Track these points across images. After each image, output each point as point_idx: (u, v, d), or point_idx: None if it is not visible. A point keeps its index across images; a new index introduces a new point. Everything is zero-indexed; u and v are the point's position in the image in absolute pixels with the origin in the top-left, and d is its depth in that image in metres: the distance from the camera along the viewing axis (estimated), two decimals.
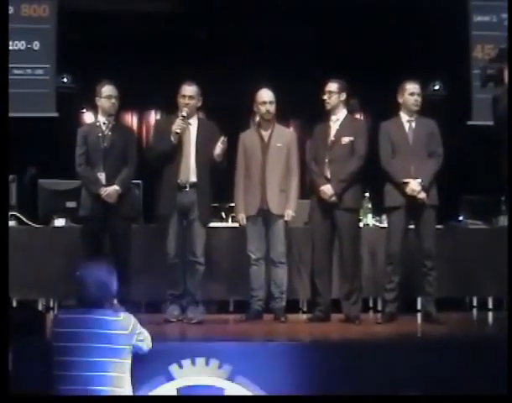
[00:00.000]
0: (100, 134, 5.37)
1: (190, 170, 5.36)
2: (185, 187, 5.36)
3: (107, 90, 5.40)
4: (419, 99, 5.44)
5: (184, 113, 5.34)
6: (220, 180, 5.54)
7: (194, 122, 5.45)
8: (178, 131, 5.30)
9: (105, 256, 5.21)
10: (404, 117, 5.47)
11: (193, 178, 5.36)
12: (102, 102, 5.41)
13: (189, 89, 5.43)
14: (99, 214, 5.31)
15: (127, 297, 5.26)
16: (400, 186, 5.33)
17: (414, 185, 5.29)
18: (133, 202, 5.59)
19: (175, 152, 5.33)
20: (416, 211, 5.37)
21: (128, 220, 5.46)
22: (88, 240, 5.32)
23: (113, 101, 5.41)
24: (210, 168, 5.38)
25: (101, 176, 5.32)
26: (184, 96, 5.41)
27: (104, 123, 5.41)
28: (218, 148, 5.29)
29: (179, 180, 5.34)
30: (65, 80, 8.83)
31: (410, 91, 5.45)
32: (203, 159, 5.36)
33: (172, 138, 5.30)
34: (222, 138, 5.32)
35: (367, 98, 6.52)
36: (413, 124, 5.44)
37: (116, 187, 5.32)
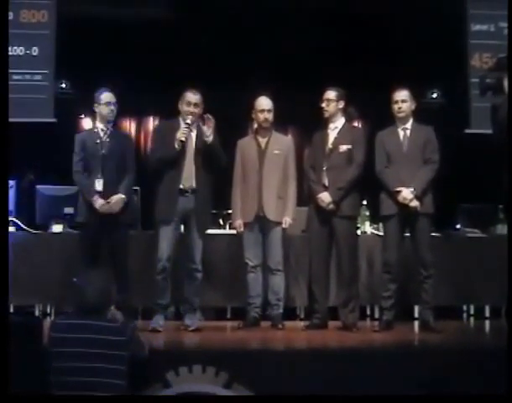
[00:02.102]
0: (98, 141, 5.35)
1: (192, 176, 5.35)
2: (187, 192, 5.35)
3: (106, 97, 5.39)
4: (403, 106, 5.41)
5: (188, 121, 5.33)
6: (218, 187, 5.54)
7: (194, 129, 5.44)
8: (183, 139, 5.28)
9: (103, 262, 5.20)
10: (398, 125, 5.47)
11: (194, 184, 5.35)
12: (101, 109, 5.39)
13: (195, 97, 5.40)
14: (96, 221, 5.28)
15: (124, 303, 5.28)
16: (394, 195, 5.34)
17: (406, 194, 5.28)
18: (131, 209, 5.57)
19: (178, 158, 5.32)
20: (410, 220, 5.36)
21: (125, 226, 5.44)
22: (86, 247, 5.30)
23: (112, 108, 5.39)
24: (210, 173, 5.37)
25: (99, 183, 5.29)
26: (189, 103, 5.39)
27: (102, 130, 5.40)
28: (207, 127, 5.26)
29: (181, 186, 5.32)
30: (63, 85, 8.84)
31: (394, 100, 5.45)
32: (204, 165, 5.35)
33: (176, 146, 5.28)
34: (209, 117, 5.29)
35: (365, 106, 6.52)
36: (408, 132, 5.44)
37: (121, 195, 5.31)
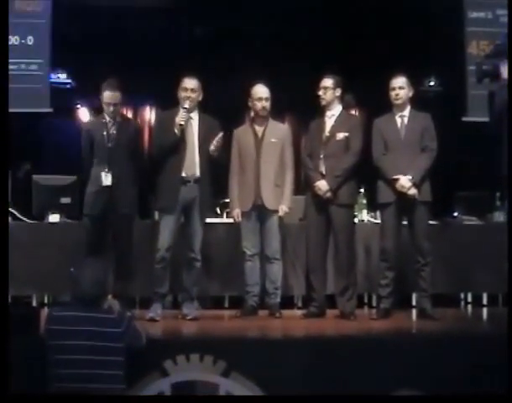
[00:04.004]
0: (105, 133, 5.32)
1: (194, 165, 5.33)
2: (190, 181, 5.33)
3: (107, 97, 5.34)
4: (400, 93, 5.39)
5: (186, 105, 5.31)
6: (215, 176, 5.52)
7: (195, 116, 5.42)
8: (182, 123, 5.26)
9: (103, 252, 5.19)
10: (396, 112, 5.45)
11: (197, 172, 5.33)
12: (103, 105, 5.37)
13: (190, 82, 5.40)
14: (100, 212, 5.28)
15: (124, 293, 5.27)
16: (391, 183, 5.32)
17: (403, 182, 5.27)
18: (134, 199, 5.53)
19: (179, 145, 5.30)
20: (408, 208, 5.35)
21: (128, 217, 5.41)
22: (92, 237, 5.29)
23: (111, 109, 5.33)
24: (211, 163, 5.36)
25: (107, 178, 5.26)
26: (186, 88, 5.38)
27: (110, 121, 5.36)
28: (212, 144, 5.27)
29: (184, 174, 5.31)
30: (59, 75, 8.80)
31: (391, 86, 5.43)
32: (205, 154, 5.34)
33: (176, 131, 5.26)
34: (220, 135, 5.29)
35: (362, 94, 6.51)
36: (405, 120, 5.42)
37: None
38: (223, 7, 8.41)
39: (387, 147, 5.41)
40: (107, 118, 5.38)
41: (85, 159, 5.40)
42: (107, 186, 5.27)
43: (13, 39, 8.09)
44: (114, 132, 5.34)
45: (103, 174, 5.26)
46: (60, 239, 5.95)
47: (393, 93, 5.41)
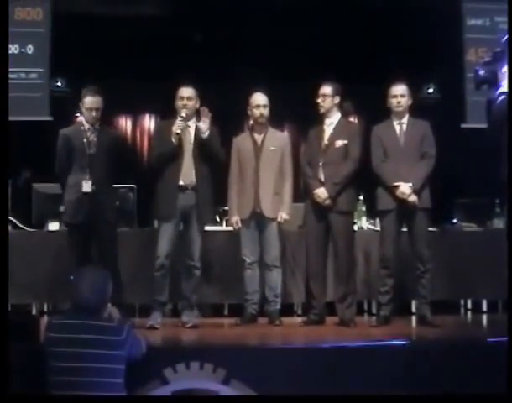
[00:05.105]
0: (85, 140, 5.30)
1: (192, 172, 5.34)
2: (187, 189, 5.34)
3: (88, 102, 5.31)
4: (402, 100, 5.41)
5: (183, 114, 5.33)
6: (214, 184, 5.53)
7: (192, 124, 5.43)
8: (178, 131, 5.27)
9: (92, 262, 5.17)
10: (394, 120, 5.47)
11: (194, 180, 5.34)
12: (84, 112, 5.35)
13: (187, 90, 5.42)
14: (83, 220, 5.25)
15: (117, 302, 5.26)
16: (391, 190, 5.33)
17: (404, 189, 5.28)
18: (116, 207, 5.50)
19: (176, 154, 5.32)
20: (408, 215, 5.36)
21: (112, 225, 5.38)
22: (74, 246, 5.27)
23: (94, 114, 5.31)
24: (209, 169, 5.38)
25: (87, 185, 5.23)
26: (182, 97, 5.40)
27: (89, 129, 5.34)
28: (203, 122, 5.26)
29: (181, 182, 5.32)
30: (58, 84, 8.82)
31: (393, 94, 5.44)
32: (203, 161, 5.35)
33: (173, 139, 5.28)
34: (203, 109, 5.28)
35: (361, 101, 6.52)
36: (404, 127, 5.43)
37: None
38: (223, 15, 8.43)
39: (386, 154, 5.42)
40: (87, 125, 5.34)
41: (61, 167, 5.35)
42: (87, 193, 5.23)
43: (13, 48, 8.12)
44: (94, 139, 5.32)
45: (83, 182, 5.24)
46: (60, 247, 5.94)
47: (394, 100, 5.42)
